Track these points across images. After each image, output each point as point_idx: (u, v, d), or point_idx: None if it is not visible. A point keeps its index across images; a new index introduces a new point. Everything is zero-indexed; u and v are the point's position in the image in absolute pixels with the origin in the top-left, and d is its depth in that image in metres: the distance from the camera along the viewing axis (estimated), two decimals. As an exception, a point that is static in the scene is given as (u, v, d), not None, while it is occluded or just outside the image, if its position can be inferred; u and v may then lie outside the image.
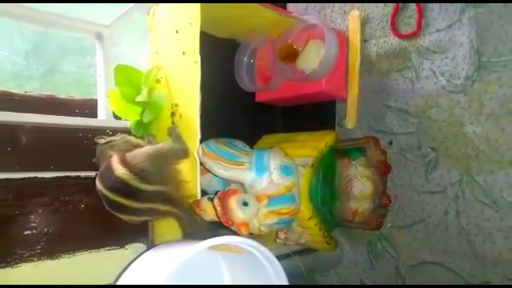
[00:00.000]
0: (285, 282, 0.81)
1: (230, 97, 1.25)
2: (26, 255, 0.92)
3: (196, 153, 0.88)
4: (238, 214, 0.76)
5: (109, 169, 0.79)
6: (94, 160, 0.93)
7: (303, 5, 1.38)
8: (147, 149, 0.85)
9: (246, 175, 0.86)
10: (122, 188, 0.78)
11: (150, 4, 1.08)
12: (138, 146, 0.91)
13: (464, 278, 0.96)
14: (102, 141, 0.93)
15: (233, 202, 0.76)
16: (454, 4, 0.99)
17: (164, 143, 0.90)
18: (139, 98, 0.94)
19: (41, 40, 1.12)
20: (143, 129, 0.99)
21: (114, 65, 0.97)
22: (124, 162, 0.80)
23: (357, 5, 1.20)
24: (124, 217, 0.81)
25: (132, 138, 0.96)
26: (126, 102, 0.96)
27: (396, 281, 1.09)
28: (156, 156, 0.83)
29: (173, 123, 0.97)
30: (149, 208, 0.80)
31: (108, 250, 1.04)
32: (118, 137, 0.95)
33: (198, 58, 0.90)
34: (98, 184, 0.81)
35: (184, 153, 0.89)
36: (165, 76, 1.01)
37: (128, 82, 0.95)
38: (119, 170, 0.78)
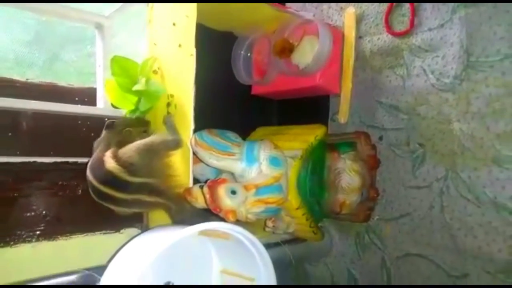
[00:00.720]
0: (270, 266, 0.84)
1: (227, 89, 1.28)
2: (24, 235, 0.96)
3: (189, 143, 0.91)
4: (226, 202, 0.79)
5: (101, 162, 0.83)
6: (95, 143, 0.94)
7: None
8: (137, 143, 0.87)
9: (237, 165, 0.89)
10: (110, 180, 0.81)
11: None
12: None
13: (446, 270, 0.99)
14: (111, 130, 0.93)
15: (222, 191, 0.80)
16: (446, 4, 1.01)
17: (156, 136, 0.91)
18: (137, 87, 0.96)
19: (43, 29, 1.15)
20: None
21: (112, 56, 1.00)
22: (115, 157, 0.83)
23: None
24: (113, 207, 0.85)
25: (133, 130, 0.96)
26: (122, 92, 0.98)
27: (381, 272, 1.13)
28: (147, 150, 0.86)
29: (168, 113, 1.00)
30: (135, 199, 0.83)
31: (104, 234, 1.08)
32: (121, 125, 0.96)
33: (193, 51, 0.92)
34: (89, 175, 0.84)
35: (176, 144, 0.92)
36: (162, 67, 1.04)
37: (125, 73, 0.97)
38: (110, 164, 0.81)
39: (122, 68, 0.98)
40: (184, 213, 0.89)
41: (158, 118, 1.02)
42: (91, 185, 0.84)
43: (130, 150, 0.85)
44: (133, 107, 1.00)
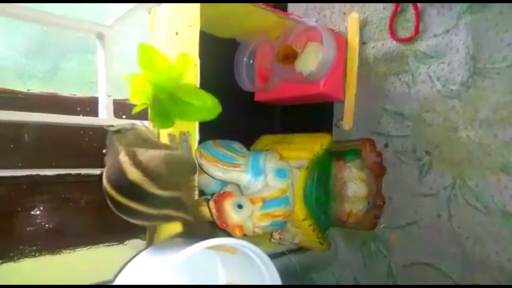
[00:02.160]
0: (278, 281, 0.83)
1: (229, 97, 1.25)
2: (27, 250, 0.95)
3: (194, 155, 0.90)
4: (233, 216, 0.78)
5: (121, 171, 0.73)
6: (104, 151, 0.86)
7: (304, 5, 1.39)
8: (163, 153, 0.79)
9: (242, 177, 0.88)
10: (136, 193, 0.73)
11: (151, 4, 1.09)
12: (148, 141, 0.86)
13: (454, 280, 0.98)
14: (111, 128, 0.86)
15: (228, 205, 0.79)
16: (452, 10, 1.00)
17: (187, 153, 0.88)
18: (190, 98, 0.85)
19: (43, 39, 1.14)
20: (168, 123, 0.92)
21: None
22: (138, 165, 0.74)
23: (356, 7, 1.21)
24: (135, 221, 0.77)
25: (142, 130, 0.90)
26: (149, 88, 0.88)
27: (388, 281, 1.12)
28: (174, 164, 0.79)
29: (184, 133, 0.97)
30: (162, 214, 0.76)
31: (108, 246, 1.06)
32: (128, 126, 0.88)
33: (197, 61, 0.91)
34: (108, 187, 0.74)
35: (194, 169, 0.86)
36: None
37: (152, 66, 0.86)
38: (133, 174, 0.73)
39: (150, 59, 0.85)
40: (200, 228, 0.83)
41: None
42: (110, 198, 0.75)
43: (156, 158, 0.77)
44: (146, 102, 0.91)
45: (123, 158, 0.75)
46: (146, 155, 0.76)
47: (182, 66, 0.89)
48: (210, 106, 0.86)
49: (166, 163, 0.77)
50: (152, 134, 0.93)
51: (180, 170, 0.82)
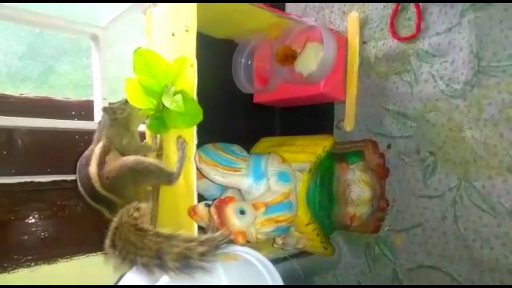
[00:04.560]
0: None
1: (228, 98, 1.24)
2: (22, 260, 0.92)
3: (192, 159, 0.87)
4: (235, 222, 0.75)
5: (88, 160, 0.83)
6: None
7: (302, 5, 1.36)
8: (132, 159, 0.83)
9: (243, 181, 0.86)
10: (85, 182, 0.81)
11: (147, 5, 1.07)
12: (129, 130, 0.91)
13: (461, 283, 0.96)
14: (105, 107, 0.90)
15: (230, 211, 0.76)
16: (454, 8, 0.98)
17: (156, 161, 0.87)
18: (170, 105, 0.81)
19: (36, 41, 1.11)
20: (162, 129, 0.91)
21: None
22: (100, 163, 0.81)
23: (356, 6, 1.19)
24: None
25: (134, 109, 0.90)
26: (145, 95, 0.86)
27: (393, 284, 1.10)
28: (135, 170, 0.82)
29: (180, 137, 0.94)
30: (96, 209, 0.83)
31: (106, 253, 1.03)
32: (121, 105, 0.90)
33: (194, 61, 0.89)
34: (82, 193, 0.83)
35: (169, 181, 0.85)
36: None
37: (149, 70, 0.83)
38: (92, 168, 0.81)
39: (147, 64, 0.82)
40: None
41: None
42: (85, 200, 0.83)
43: (116, 164, 0.82)
44: (152, 107, 0.89)
45: (97, 151, 0.84)
46: (114, 161, 0.83)
47: (179, 68, 0.87)
48: (184, 112, 0.82)
49: (128, 168, 0.82)
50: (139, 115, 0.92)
51: (140, 178, 0.84)
